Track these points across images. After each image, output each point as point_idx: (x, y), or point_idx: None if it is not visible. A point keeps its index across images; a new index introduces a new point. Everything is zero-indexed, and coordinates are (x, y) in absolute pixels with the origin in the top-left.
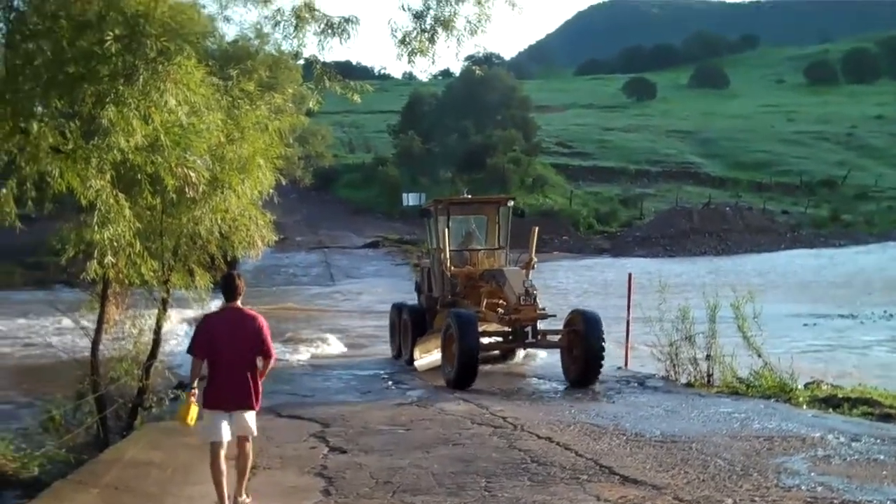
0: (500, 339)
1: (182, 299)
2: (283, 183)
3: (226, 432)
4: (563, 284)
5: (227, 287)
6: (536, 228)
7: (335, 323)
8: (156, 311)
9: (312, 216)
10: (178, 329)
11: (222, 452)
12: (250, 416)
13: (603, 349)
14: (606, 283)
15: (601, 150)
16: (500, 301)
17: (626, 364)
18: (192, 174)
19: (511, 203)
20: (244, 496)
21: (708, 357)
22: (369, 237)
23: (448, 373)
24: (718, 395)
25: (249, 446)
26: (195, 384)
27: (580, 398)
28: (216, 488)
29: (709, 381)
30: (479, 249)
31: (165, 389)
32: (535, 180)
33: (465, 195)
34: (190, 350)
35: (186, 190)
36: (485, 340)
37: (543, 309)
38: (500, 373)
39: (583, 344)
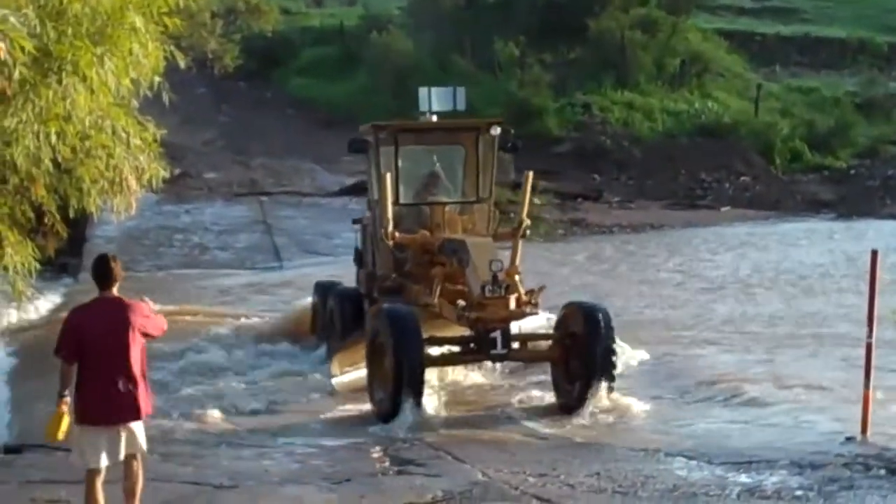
0: (457, 347)
1: None
2: (184, 66)
3: (104, 456)
4: (728, 267)
5: (99, 272)
6: (531, 174)
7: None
8: None
9: (239, 131)
10: None
11: (99, 480)
12: (138, 428)
13: (614, 355)
14: (822, 269)
15: (821, 4)
16: (462, 289)
17: (863, 430)
18: (1, 44)
19: (496, 130)
20: None
21: None
22: (350, 175)
23: (379, 401)
24: None
25: (138, 465)
26: (66, 392)
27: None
28: None
29: None
30: (446, 203)
31: None
32: (688, 64)
33: (428, 115)
34: (57, 352)
35: None
36: (436, 351)
37: (532, 302)
38: None
39: (583, 353)
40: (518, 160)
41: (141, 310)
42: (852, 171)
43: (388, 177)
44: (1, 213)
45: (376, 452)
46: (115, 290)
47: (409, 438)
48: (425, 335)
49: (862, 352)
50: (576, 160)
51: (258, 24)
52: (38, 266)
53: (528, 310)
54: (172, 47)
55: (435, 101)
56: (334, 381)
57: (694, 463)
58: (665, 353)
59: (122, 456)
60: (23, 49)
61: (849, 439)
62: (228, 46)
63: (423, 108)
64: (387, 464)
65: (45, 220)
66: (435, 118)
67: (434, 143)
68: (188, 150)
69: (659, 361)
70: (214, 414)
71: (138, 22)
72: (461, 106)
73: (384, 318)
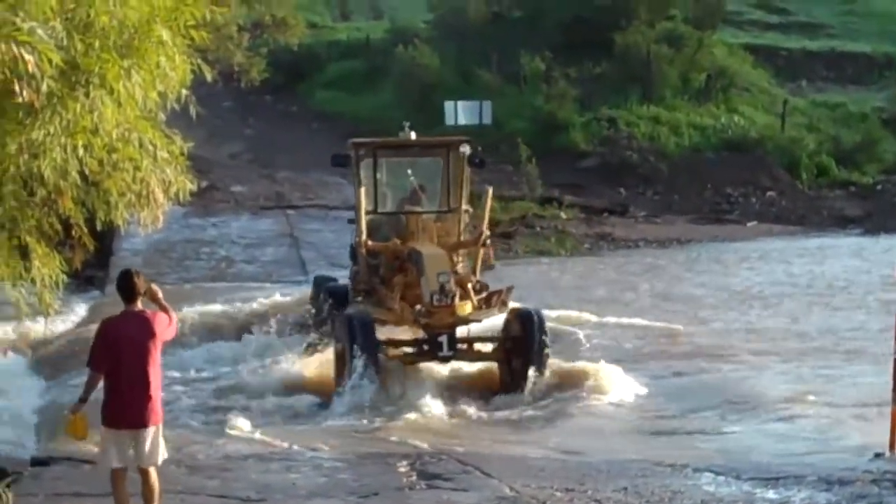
0: (411, 349)
1: (4, 304)
2: (211, 79)
3: (126, 457)
4: (756, 282)
5: (124, 287)
6: (490, 189)
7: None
8: None
9: (266, 145)
10: None
11: (124, 479)
12: (155, 435)
13: (545, 348)
14: (851, 284)
15: (847, 20)
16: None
17: (892, 447)
18: (29, 57)
19: (465, 147)
20: None
21: None
22: None
23: (340, 390)
24: None
25: (154, 475)
26: (86, 397)
27: None
28: None
29: None
30: (420, 212)
31: None
32: (713, 78)
33: (406, 131)
34: (89, 362)
35: (17, 89)
36: (392, 351)
37: (502, 301)
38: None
39: (521, 352)
40: (545, 175)
41: (162, 320)
42: (879, 187)
43: (362, 191)
44: (28, 225)
45: (403, 466)
46: (139, 304)
47: (435, 455)
48: (386, 337)
49: (891, 367)
50: (602, 175)
51: (284, 38)
52: (64, 279)
53: (472, 316)
54: (199, 60)
55: (461, 114)
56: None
57: (722, 478)
58: (693, 368)
59: (144, 459)
60: (50, 62)
61: (877, 455)
62: (255, 60)
63: (448, 122)
64: (414, 478)
65: (73, 233)
66: (413, 135)
67: (409, 158)
68: (215, 163)
69: (687, 376)
70: (243, 425)
71: (165, 35)
72: (487, 120)
73: (343, 321)
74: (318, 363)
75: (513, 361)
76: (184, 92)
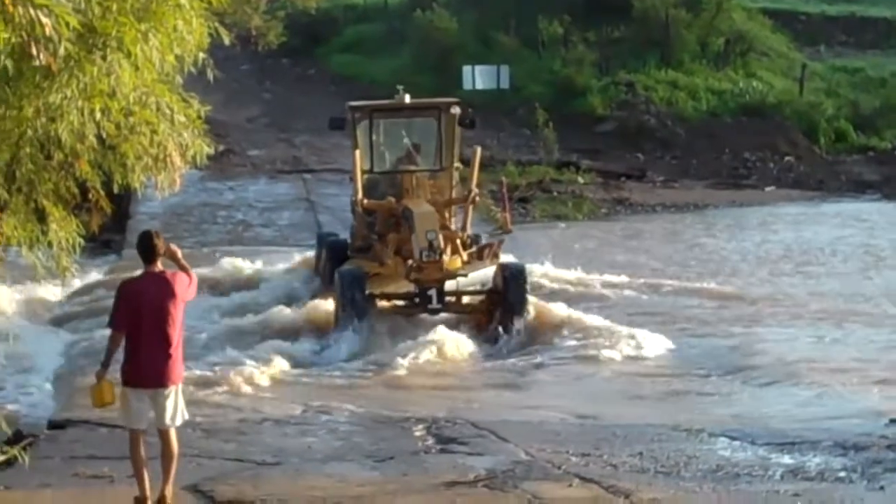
0: (402, 302)
1: (22, 267)
2: (228, 43)
3: (146, 417)
4: (775, 246)
5: (144, 248)
6: (479, 149)
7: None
8: None
9: (283, 108)
10: (11, 324)
11: (142, 440)
12: (175, 397)
13: (525, 301)
14: (872, 249)
15: None
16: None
17: None
18: (46, 20)
19: (455, 109)
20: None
21: None
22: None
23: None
24: None
25: (174, 436)
26: (108, 361)
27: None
28: (137, 481)
29: None
30: (414, 170)
31: None
32: (732, 43)
33: (401, 94)
34: (111, 323)
35: (34, 52)
36: (385, 304)
37: (494, 253)
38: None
39: (503, 303)
40: (562, 139)
41: (183, 281)
42: None
43: (357, 153)
44: (45, 188)
45: (419, 431)
46: (159, 265)
47: (451, 420)
48: (379, 291)
49: None
50: (619, 139)
51: (302, 1)
52: (81, 242)
53: (460, 271)
54: (216, 24)
55: (479, 78)
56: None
57: (737, 443)
58: (709, 332)
59: (164, 419)
60: (67, 25)
61: (893, 421)
62: (272, 23)
63: (466, 86)
64: (429, 442)
65: (90, 197)
66: (408, 98)
67: (403, 120)
68: (232, 126)
69: (703, 340)
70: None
71: None
72: (505, 84)
73: (337, 277)
74: (319, 312)
75: (494, 312)
76: (201, 55)
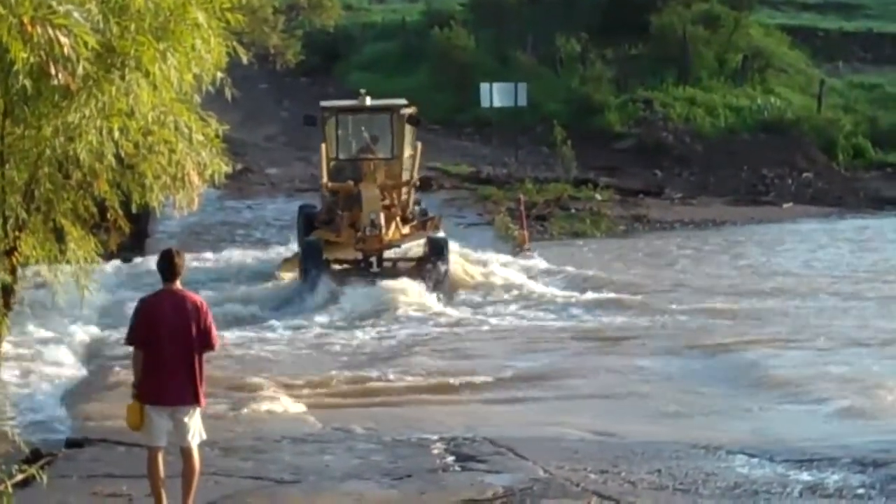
0: (349, 266)
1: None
2: (246, 62)
3: (165, 435)
4: (792, 264)
5: (164, 266)
6: (420, 145)
7: (336, 340)
8: None
9: (301, 127)
10: (24, 350)
11: (160, 458)
12: (194, 416)
13: (443, 271)
14: (890, 267)
15: (885, 0)
16: None
17: None
18: (65, 39)
19: (405, 111)
20: None
21: None
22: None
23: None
24: None
25: (196, 455)
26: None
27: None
28: (155, 499)
29: None
30: (372, 158)
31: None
32: (750, 59)
33: (362, 96)
34: (129, 340)
35: (52, 72)
36: (337, 267)
37: (435, 225)
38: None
39: (428, 268)
40: (580, 157)
41: (203, 307)
42: None
43: (324, 145)
44: (64, 208)
45: (437, 448)
46: (178, 284)
47: (469, 437)
48: (334, 257)
49: None
50: (637, 156)
51: (320, 20)
52: (100, 261)
53: (395, 242)
54: (234, 43)
55: (496, 96)
56: (280, 273)
57: (755, 460)
58: (727, 349)
59: (186, 437)
60: (86, 44)
61: None
62: (290, 42)
63: (484, 104)
64: (448, 460)
65: (108, 216)
66: (368, 100)
67: (363, 119)
68: (250, 145)
69: (721, 356)
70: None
71: (201, 17)
72: (522, 102)
73: (300, 246)
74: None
75: (423, 274)
76: (219, 74)
